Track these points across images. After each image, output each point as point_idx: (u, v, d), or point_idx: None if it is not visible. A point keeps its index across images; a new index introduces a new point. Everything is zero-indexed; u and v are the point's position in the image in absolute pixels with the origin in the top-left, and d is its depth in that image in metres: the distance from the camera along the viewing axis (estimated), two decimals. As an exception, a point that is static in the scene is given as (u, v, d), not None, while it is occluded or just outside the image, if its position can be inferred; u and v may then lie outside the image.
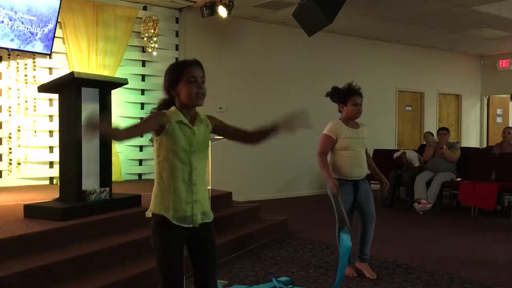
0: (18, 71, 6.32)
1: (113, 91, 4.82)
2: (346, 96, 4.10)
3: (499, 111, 12.55)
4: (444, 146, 7.27)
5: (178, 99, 2.28)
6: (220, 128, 2.40)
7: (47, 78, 6.18)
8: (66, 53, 6.66)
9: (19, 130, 6.33)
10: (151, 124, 2.20)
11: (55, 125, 6.16)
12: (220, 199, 5.38)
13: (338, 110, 4.20)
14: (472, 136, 12.20)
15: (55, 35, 6.39)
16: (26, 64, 6.38)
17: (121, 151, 7.10)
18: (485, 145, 11.81)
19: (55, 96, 4.86)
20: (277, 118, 2.32)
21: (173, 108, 2.28)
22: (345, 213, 4.05)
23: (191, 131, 2.26)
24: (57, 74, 6.28)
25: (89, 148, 4.40)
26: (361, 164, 4.12)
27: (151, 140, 2.32)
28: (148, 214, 2.32)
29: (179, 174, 2.24)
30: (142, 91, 7.36)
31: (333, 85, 4.20)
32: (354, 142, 4.08)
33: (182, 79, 2.24)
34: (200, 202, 2.29)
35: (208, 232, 2.35)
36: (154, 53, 7.25)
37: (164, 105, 2.33)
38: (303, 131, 2.26)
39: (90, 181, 4.40)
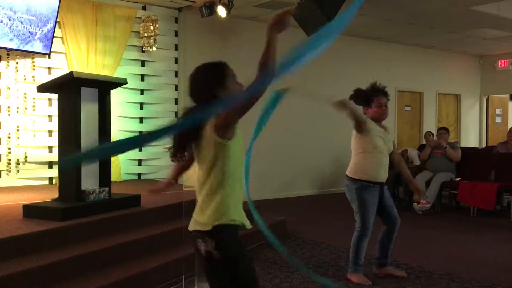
0: (17, 70, 6.30)
1: (112, 91, 4.82)
2: (370, 97, 3.92)
3: (498, 111, 12.56)
4: (447, 146, 7.25)
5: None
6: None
7: (46, 78, 6.16)
8: (65, 53, 6.65)
9: (18, 130, 6.32)
10: None
11: (54, 125, 6.15)
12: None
13: (363, 112, 4.01)
14: (471, 136, 12.20)
15: (54, 35, 6.38)
16: (25, 64, 6.37)
17: (121, 151, 7.09)
18: (484, 145, 11.82)
19: (54, 96, 4.86)
20: None
21: None
22: (372, 220, 3.95)
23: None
24: (56, 74, 6.26)
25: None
26: (386, 168, 4.00)
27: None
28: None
29: None
30: (142, 91, 7.35)
31: (356, 87, 3.99)
32: (383, 144, 3.93)
33: (227, 77, 2.24)
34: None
35: (212, 247, 2.14)
36: (154, 49, 7.21)
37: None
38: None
39: (89, 181, 4.40)
